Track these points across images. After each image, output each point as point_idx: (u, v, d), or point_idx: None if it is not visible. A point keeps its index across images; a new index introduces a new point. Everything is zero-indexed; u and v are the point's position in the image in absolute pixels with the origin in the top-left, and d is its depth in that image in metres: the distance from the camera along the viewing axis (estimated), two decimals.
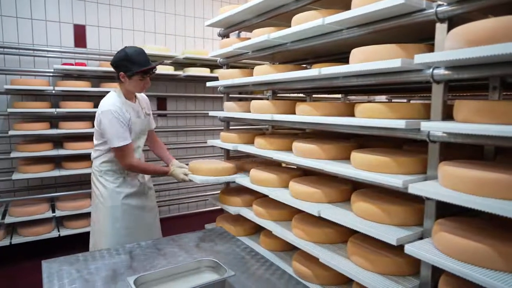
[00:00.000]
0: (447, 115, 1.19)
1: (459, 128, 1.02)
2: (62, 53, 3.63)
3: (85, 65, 3.60)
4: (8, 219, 3.18)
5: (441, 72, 1.14)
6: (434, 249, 1.14)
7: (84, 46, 3.81)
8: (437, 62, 1.09)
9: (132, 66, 2.03)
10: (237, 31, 2.85)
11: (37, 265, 1.55)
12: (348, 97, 3.77)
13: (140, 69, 2.03)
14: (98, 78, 3.75)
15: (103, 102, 2.11)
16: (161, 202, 3.97)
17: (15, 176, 3.18)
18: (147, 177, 2.42)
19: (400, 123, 1.20)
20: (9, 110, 3.16)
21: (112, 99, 2.12)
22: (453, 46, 1.04)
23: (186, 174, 2.26)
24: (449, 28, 1.12)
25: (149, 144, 2.51)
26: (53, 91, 3.36)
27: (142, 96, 2.37)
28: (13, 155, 3.20)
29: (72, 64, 3.52)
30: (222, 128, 2.73)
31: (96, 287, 1.35)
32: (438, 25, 1.16)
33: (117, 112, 2.06)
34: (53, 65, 3.45)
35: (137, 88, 2.14)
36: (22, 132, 3.21)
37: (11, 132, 3.17)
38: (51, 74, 3.54)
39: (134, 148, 2.19)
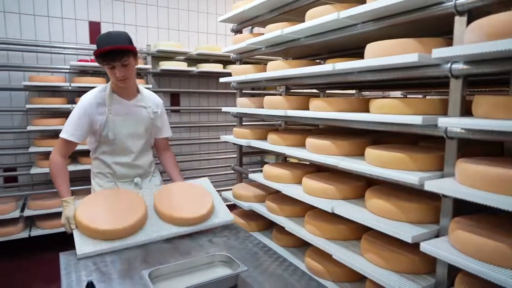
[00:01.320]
0: (465, 111, 1.16)
1: (479, 124, 1.00)
2: (78, 50, 3.68)
3: None
4: (27, 212, 3.27)
5: (459, 66, 1.11)
6: (451, 247, 1.12)
7: None
8: (456, 56, 1.06)
9: (96, 49, 1.78)
10: (250, 27, 2.84)
11: (55, 257, 1.59)
12: (362, 92, 3.73)
13: (96, 51, 1.75)
14: None
15: (88, 92, 1.95)
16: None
17: (34, 170, 3.26)
18: (155, 183, 2.12)
19: (417, 119, 1.18)
20: (28, 106, 3.23)
21: (93, 91, 1.94)
22: (473, 40, 1.01)
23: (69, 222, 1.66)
24: (469, 21, 1.09)
25: (158, 156, 2.22)
26: (69, 87, 3.42)
27: (153, 98, 2.10)
28: (31, 149, 3.28)
29: (87, 61, 3.58)
30: (235, 124, 2.74)
31: (112, 279, 1.37)
32: (457, 18, 1.13)
33: (85, 103, 1.87)
34: (69, 62, 3.50)
35: (110, 78, 1.86)
36: (40, 127, 3.28)
37: (29, 128, 3.24)
38: (67, 70, 3.60)
39: (124, 151, 1.96)
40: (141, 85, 2.10)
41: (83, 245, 1.55)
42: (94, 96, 1.90)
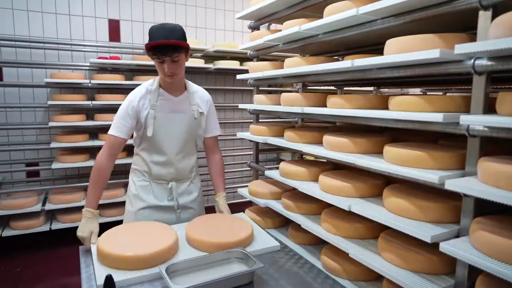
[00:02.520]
0: (489, 108, 1.13)
1: (504, 122, 0.96)
2: (97, 47, 3.76)
3: (119, 59, 3.71)
4: (48, 206, 3.36)
5: (483, 62, 1.08)
6: (472, 248, 1.09)
7: (118, 40, 3.92)
8: (480, 52, 1.03)
9: (148, 42, 1.72)
10: (267, 24, 2.83)
11: (75, 250, 1.63)
12: (380, 90, 3.67)
13: (148, 44, 1.68)
14: (132, 72, 3.86)
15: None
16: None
17: (55, 165, 3.35)
18: (193, 195, 2.01)
19: (438, 117, 1.15)
20: (49, 102, 3.32)
21: (141, 85, 1.89)
22: (498, 35, 0.98)
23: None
24: (493, 16, 1.06)
25: (206, 158, 2.13)
26: (89, 84, 3.49)
27: (200, 93, 2.00)
28: (52, 145, 3.37)
29: (107, 58, 3.64)
30: (251, 120, 2.74)
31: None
32: (481, 12, 1.10)
33: (132, 97, 1.82)
34: (89, 59, 3.58)
35: (159, 72, 1.80)
36: (61, 123, 3.37)
37: (50, 124, 3.33)
38: (88, 68, 3.68)
39: (161, 150, 1.86)
40: (189, 81, 2.02)
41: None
42: (141, 90, 1.85)
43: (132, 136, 1.91)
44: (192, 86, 1.99)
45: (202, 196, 2.13)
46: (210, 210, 1.94)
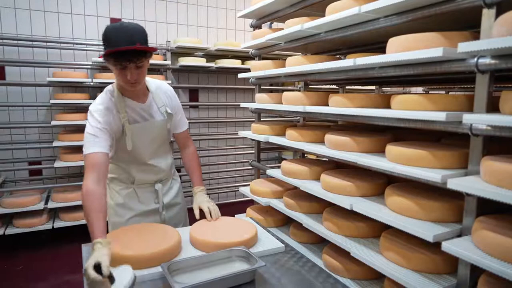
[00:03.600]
0: (492, 107, 1.13)
1: (507, 121, 0.96)
2: (99, 46, 3.75)
3: None
4: (51, 204, 3.37)
5: (486, 61, 1.07)
6: (474, 247, 1.09)
7: None
8: (483, 50, 1.03)
9: (106, 46, 1.50)
10: (269, 22, 2.83)
11: (77, 248, 1.63)
12: (382, 88, 3.66)
13: (109, 51, 1.46)
14: None
15: (93, 103, 1.67)
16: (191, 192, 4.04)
17: (57, 164, 3.36)
18: (174, 190, 1.95)
19: (440, 116, 1.15)
20: (51, 101, 3.32)
21: (101, 96, 1.67)
22: (502, 33, 0.97)
23: (98, 267, 1.19)
24: (497, 14, 1.05)
25: (180, 153, 2.02)
26: (91, 83, 3.50)
27: (162, 88, 1.82)
28: (55, 144, 3.38)
29: None
30: (253, 119, 2.74)
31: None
32: (485, 11, 1.09)
33: (96, 112, 1.59)
34: (91, 58, 3.58)
35: (119, 79, 1.57)
36: (63, 122, 3.38)
37: (53, 122, 3.33)
38: (89, 66, 3.68)
39: (143, 158, 1.75)
40: (146, 78, 1.74)
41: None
42: (104, 99, 1.64)
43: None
44: (152, 83, 1.78)
45: (182, 190, 2.05)
46: (192, 211, 1.80)
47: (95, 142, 1.54)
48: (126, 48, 1.45)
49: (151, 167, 1.80)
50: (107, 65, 1.56)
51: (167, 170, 1.90)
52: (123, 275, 1.21)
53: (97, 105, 1.63)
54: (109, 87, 1.70)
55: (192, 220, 1.79)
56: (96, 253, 1.25)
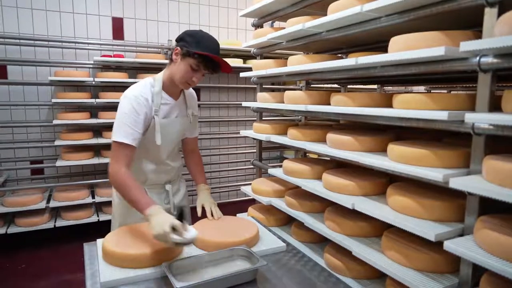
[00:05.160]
0: (494, 106, 1.12)
1: (510, 120, 0.96)
2: (101, 45, 3.76)
3: (123, 57, 3.71)
4: (53, 203, 3.38)
5: (489, 60, 1.07)
6: (476, 246, 1.09)
7: (122, 38, 3.93)
8: (485, 49, 1.02)
9: (193, 44, 1.56)
10: (270, 21, 2.82)
11: (79, 247, 1.63)
12: (384, 87, 3.66)
13: (200, 51, 1.54)
14: (135, 70, 3.87)
15: (129, 88, 1.66)
16: (193, 191, 4.05)
17: (59, 163, 3.36)
18: (182, 192, 1.96)
19: (442, 115, 1.14)
20: (53, 100, 3.33)
21: (141, 85, 1.66)
22: (504, 32, 0.97)
23: (175, 230, 1.32)
24: (500, 13, 1.05)
25: (184, 154, 2.03)
26: (93, 82, 3.50)
27: (190, 91, 1.87)
28: (57, 143, 3.39)
29: (110, 56, 3.65)
30: (255, 118, 2.74)
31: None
32: (487, 9, 1.09)
33: (139, 100, 1.59)
34: (93, 57, 3.58)
35: (183, 75, 1.61)
36: (65, 121, 3.38)
37: (55, 122, 3.34)
38: (91, 65, 3.69)
39: (160, 156, 1.75)
40: None
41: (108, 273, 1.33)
42: (146, 90, 1.64)
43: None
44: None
45: (187, 192, 2.08)
46: (195, 210, 1.80)
47: (133, 134, 1.56)
48: (218, 58, 1.57)
49: (166, 166, 1.82)
50: (178, 59, 1.61)
51: (178, 170, 1.93)
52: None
53: (137, 93, 1.62)
54: (149, 79, 1.70)
55: (194, 220, 1.79)
56: (160, 218, 1.35)
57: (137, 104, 1.59)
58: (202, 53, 1.54)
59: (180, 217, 1.40)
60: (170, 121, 1.73)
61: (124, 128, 1.56)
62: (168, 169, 1.84)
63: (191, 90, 1.89)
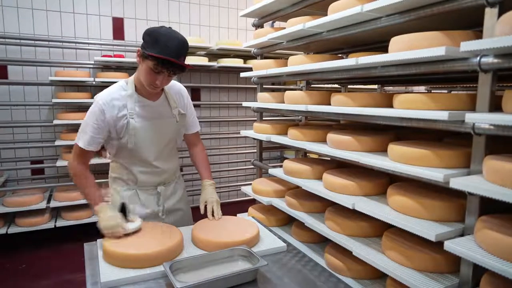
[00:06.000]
0: (495, 106, 1.12)
1: (511, 120, 0.96)
2: (101, 45, 3.76)
3: (123, 57, 3.71)
4: (53, 203, 3.38)
5: (489, 60, 1.07)
6: (476, 246, 1.09)
7: (122, 38, 3.93)
8: (486, 49, 1.03)
9: (150, 44, 1.48)
10: (271, 21, 2.83)
11: (79, 247, 1.63)
12: (385, 87, 3.66)
13: (155, 53, 1.45)
14: (135, 70, 3.86)
15: (102, 92, 1.66)
16: (193, 191, 4.06)
17: (59, 163, 3.37)
18: (178, 195, 1.90)
19: (443, 115, 1.14)
20: (54, 100, 3.33)
21: (112, 88, 1.66)
22: (504, 32, 0.97)
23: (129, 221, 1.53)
24: (500, 13, 1.05)
25: (189, 150, 2.01)
26: (94, 82, 3.50)
27: (175, 88, 1.81)
28: (57, 143, 3.39)
29: (111, 56, 3.65)
30: (255, 118, 2.74)
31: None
32: (487, 10, 1.09)
33: (102, 104, 1.59)
34: (93, 57, 3.58)
35: (145, 78, 1.55)
36: (65, 121, 3.38)
37: (55, 122, 3.34)
38: (92, 66, 3.69)
39: (146, 159, 1.71)
40: None
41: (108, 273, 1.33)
42: (112, 95, 1.63)
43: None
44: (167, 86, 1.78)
45: (187, 195, 2.03)
46: (196, 210, 1.81)
47: (92, 139, 1.63)
48: (174, 60, 1.47)
49: (155, 168, 1.75)
50: (140, 61, 1.57)
51: (171, 173, 1.86)
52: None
53: (105, 96, 1.63)
54: (122, 81, 1.70)
55: (196, 219, 1.79)
56: (108, 213, 1.52)
57: (102, 110, 1.60)
58: (156, 56, 1.45)
59: (123, 210, 1.56)
60: (149, 123, 1.67)
61: (84, 135, 1.64)
62: (158, 171, 1.77)
63: (179, 87, 1.84)
